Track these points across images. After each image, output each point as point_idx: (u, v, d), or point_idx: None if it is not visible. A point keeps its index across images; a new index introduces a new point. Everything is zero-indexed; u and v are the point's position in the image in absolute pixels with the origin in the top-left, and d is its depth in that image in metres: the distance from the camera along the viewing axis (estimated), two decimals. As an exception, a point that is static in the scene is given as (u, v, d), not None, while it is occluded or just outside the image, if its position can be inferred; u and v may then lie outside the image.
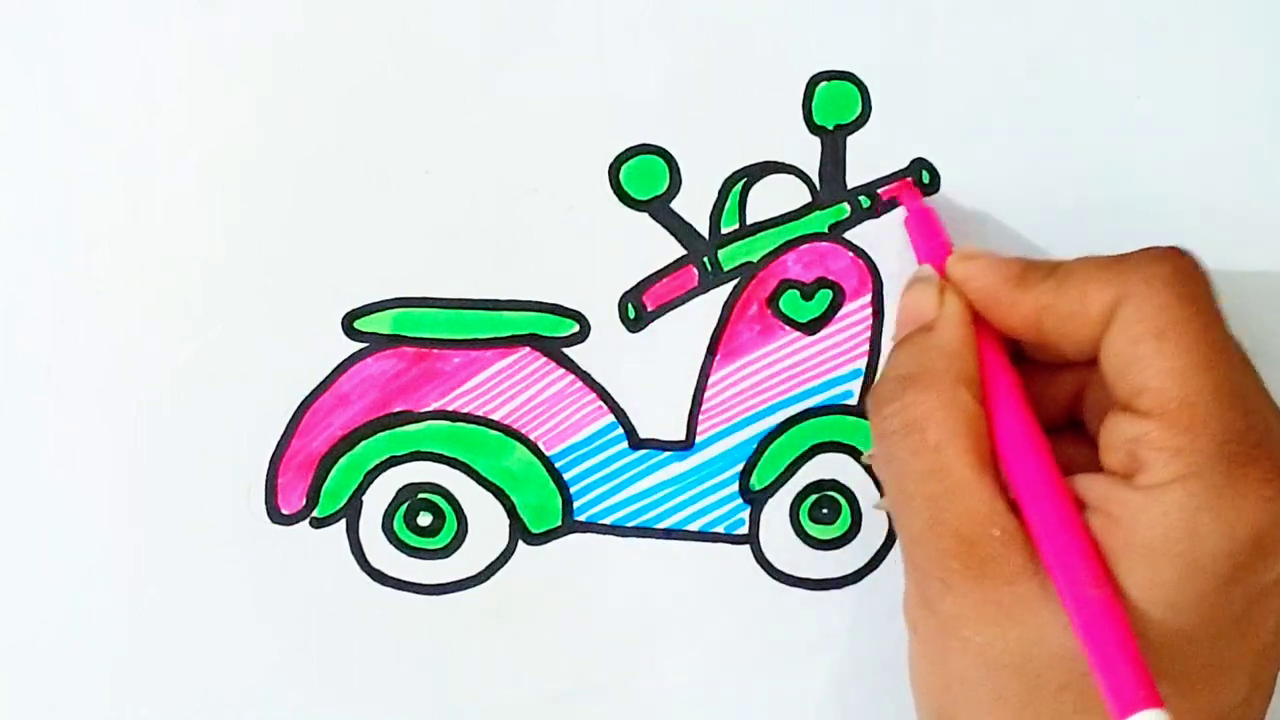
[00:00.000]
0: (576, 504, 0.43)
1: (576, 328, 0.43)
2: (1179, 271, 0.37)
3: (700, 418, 0.43)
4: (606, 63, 0.43)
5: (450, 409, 0.43)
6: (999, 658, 0.36)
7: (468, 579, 0.43)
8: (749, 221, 0.43)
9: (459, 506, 0.43)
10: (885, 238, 0.43)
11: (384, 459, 0.43)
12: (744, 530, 0.43)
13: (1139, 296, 0.36)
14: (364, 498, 0.43)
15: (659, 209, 0.43)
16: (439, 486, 0.43)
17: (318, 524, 0.43)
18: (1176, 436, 0.35)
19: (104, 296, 0.42)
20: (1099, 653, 0.34)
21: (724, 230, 0.43)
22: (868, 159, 0.43)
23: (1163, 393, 0.35)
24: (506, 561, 0.43)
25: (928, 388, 0.38)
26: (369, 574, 0.43)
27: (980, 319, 0.39)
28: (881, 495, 0.43)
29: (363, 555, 0.43)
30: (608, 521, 0.43)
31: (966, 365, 0.38)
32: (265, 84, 0.42)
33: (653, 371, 0.43)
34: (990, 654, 0.36)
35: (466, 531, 0.43)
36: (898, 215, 0.43)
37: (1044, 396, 0.39)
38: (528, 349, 0.43)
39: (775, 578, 0.43)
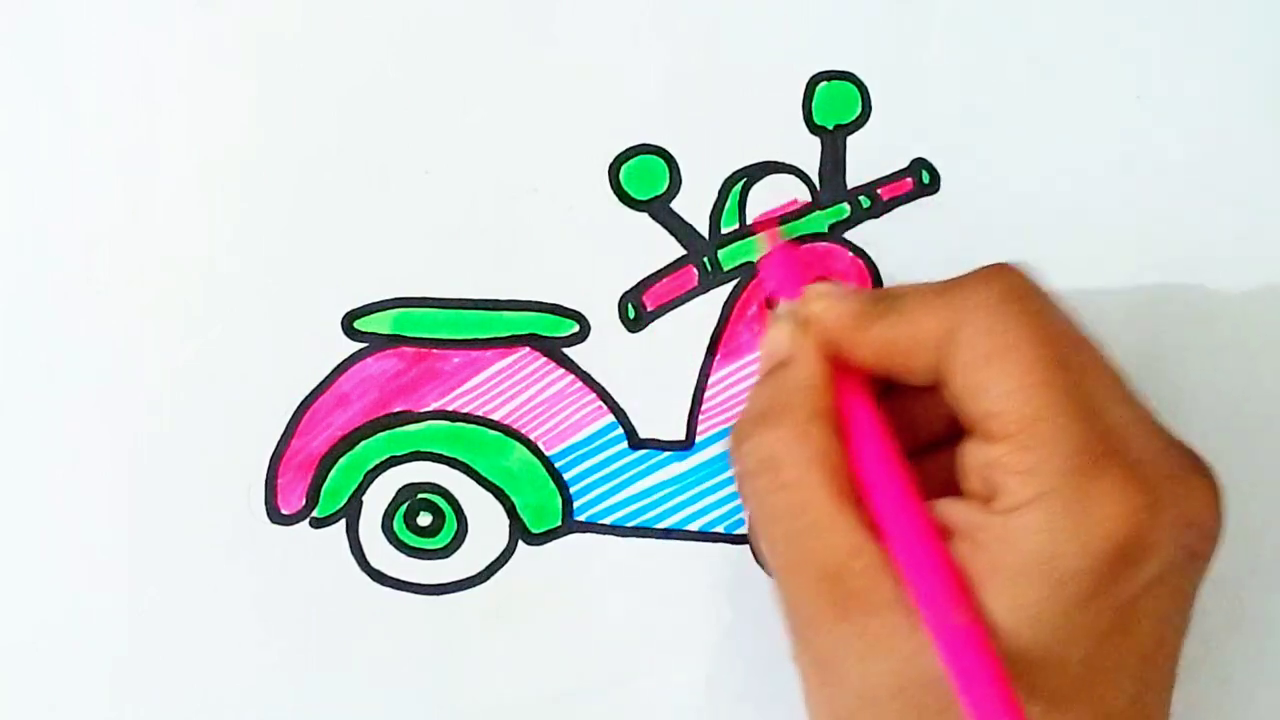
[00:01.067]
0: (576, 504, 0.43)
1: (576, 328, 0.43)
2: (1006, 291, 0.36)
3: (700, 418, 0.43)
4: (606, 63, 0.43)
5: (450, 409, 0.43)
6: (875, 690, 0.36)
7: (468, 579, 0.43)
8: (749, 221, 0.43)
9: (459, 506, 0.43)
10: (885, 238, 0.43)
11: (384, 459, 0.43)
12: (744, 530, 0.43)
13: (969, 323, 0.36)
14: (364, 498, 0.43)
15: (659, 209, 0.43)
16: (439, 486, 0.43)
17: (317, 524, 0.43)
18: (1025, 458, 0.35)
19: (104, 296, 0.42)
20: (963, 679, 0.34)
21: (724, 230, 0.43)
22: (868, 159, 0.43)
23: (1006, 416, 0.35)
24: (506, 561, 0.43)
25: (781, 424, 0.37)
26: (369, 574, 0.43)
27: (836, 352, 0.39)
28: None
29: (363, 555, 0.43)
30: (608, 521, 0.43)
31: (821, 400, 0.38)
32: (265, 84, 0.43)
33: (653, 371, 0.43)
34: (866, 687, 0.36)
35: (466, 531, 0.43)
36: (898, 215, 0.43)
37: (925, 413, 0.39)
38: (528, 349, 0.43)
39: (775, 578, 0.43)
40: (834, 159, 0.43)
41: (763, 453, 0.37)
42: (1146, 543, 0.35)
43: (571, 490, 0.43)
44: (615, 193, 0.43)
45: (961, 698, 0.34)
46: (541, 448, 0.43)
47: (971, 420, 0.36)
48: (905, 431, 0.38)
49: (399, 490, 0.43)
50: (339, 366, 0.43)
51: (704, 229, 0.43)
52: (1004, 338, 0.36)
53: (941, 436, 0.39)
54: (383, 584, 0.43)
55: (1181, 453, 0.37)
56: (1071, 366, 0.36)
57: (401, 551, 0.43)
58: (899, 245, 0.43)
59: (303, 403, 0.43)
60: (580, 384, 0.43)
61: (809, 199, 0.43)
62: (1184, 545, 0.36)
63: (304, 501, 0.43)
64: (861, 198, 0.43)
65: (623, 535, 0.43)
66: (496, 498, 0.43)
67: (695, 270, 0.43)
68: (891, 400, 0.39)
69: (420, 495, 0.43)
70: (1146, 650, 0.36)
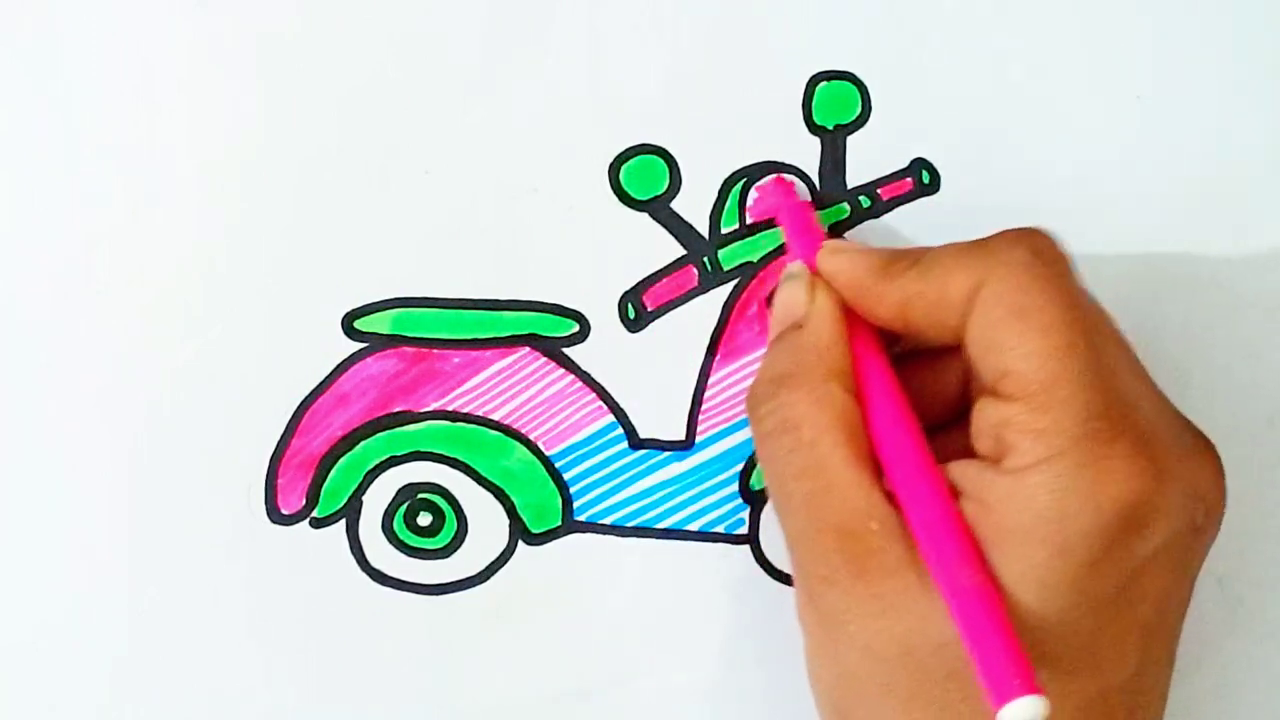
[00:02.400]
0: (576, 504, 0.43)
1: (576, 328, 0.43)
2: (1036, 253, 0.37)
3: (700, 418, 0.43)
4: (606, 63, 0.43)
5: (450, 409, 0.43)
6: (884, 650, 0.36)
7: (468, 579, 0.43)
8: (749, 221, 0.43)
9: (459, 506, 0.43)
10: (885, 238, 0.43)
11: (384, 459, 0.43)
12: (744, 530, 0.43)
13: (997, 280, 0.36)
14: (364, 498, 0.43)
15: (659, 209, 0.43)
16: (439, 486, 0.43)
17: (318, 524, 0.43)
18: (1039, 418, 0.35)
19: (104, 296, 0.42)
20: (975, 641, 0.34)
21: (724, 230, 0.43)
22: (868, 159, 0.43)
23: (1024, 375, 0.35)
24: (506, 561, 0.43)
25: (799, 385, 0.38)
26: (369, 574, 0.43)
27: (854, 312, 0.39)
28: None
29: (363, 555, 0.43)
30: (608, 521, 0.43)
31: (838, 360, 0.38)
32: (265, 84, 0.43)
33: (653, 371, 0.43)
34: (875, 647, 0.36)
35: (466, 531, 0.43)
36: (898, 215, 0.43)
37: (936, 385, 0.40)
38: (528, 349, 0.43)
39: (775, 578, 0.43)
40: (834, 159, 0.43)
41: (781, 414, 0.38)
42: (1153, 511, 0.35)
43: (571, 490, 0.43)
44: (615, 193, 0.43)
45: (973, 658, 0.34)
46: (541, 448, 0.43)
47: (989, 378, 0.36)
48: (915, 404, 0.38)
49: (399, 490, 0.43)
50: (339, 366, 0.43)
51: (704, 229, 0.43)
52: (1029, 298, 0.36)
53: (950, 411, 0.39)
54: (383, 584, 0.43)
55: (1188, 428, 0.38)
56: (1092, 334, 0.36)
57: (401, 551, 0.43)
58: (899, 245, 0.43)
59: (303, 403, 0.43)
60: (580, 384, 0.43)
61: (809, 199, 0.43)
62: (1189, 518, 0.36)
63: (304, 501, 0.43)
64: (861, 198, 0.43)
65: (623, 535, 0.43)
66: (496, 498, 0.43)
67: (695, 270, 0.43)
68: (902, 371, 0.39)
69: (420, 495, 0.43)
70: (1149, 622, 0.36)
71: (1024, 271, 0.36)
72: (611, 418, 0.43)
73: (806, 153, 0.43)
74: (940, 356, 0.39)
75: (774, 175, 0.43)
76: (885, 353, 0.39)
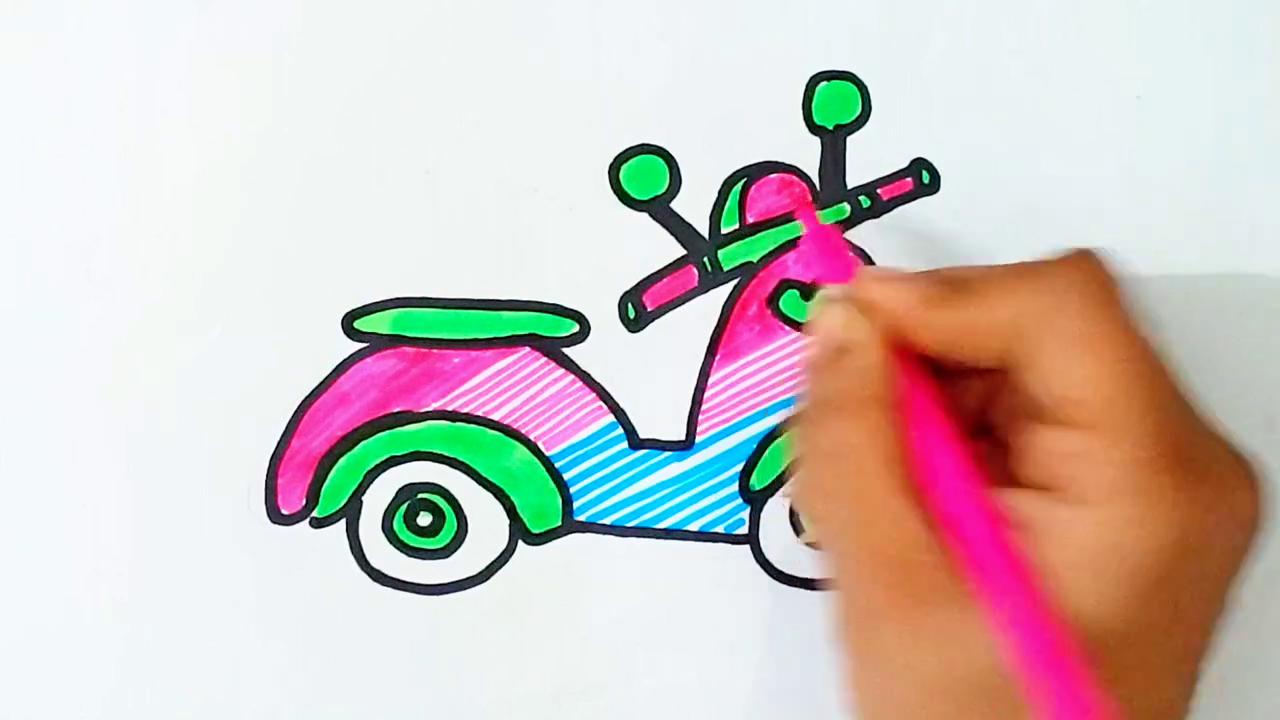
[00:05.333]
0: (576, 504, 0.43)
1: (576, 328, 0.43)
2: (1090, 277, 0.36)
3: (700, 418, 0.43)
4: (606, 62, 0.43)
5: (450, 409, 0.43)
6: (931, 681, 0.36)
7: (468, 579, 0.43)
8: (749, 221, 0.43)
9: (459, 506, 0.43)
10: (885, 238, 0.43)
11: (384, 459, 0.43)
12: (744, 530, 0.43)
13: (1051, 307, 0.36)
14: (364, 498, 0.43)
15: (659, 209, 0.43)
16: (439, 486, 0.43)
17: (318, 524, 0.43)
18: (1096, 447, 0.35)
19: (104, 296, 0.42)
20: (1043, 672, 0.34)
21: (724, 230, 0.43)
22: (868, 159, 0.43)
23: (1080, 404, 0.35)
24: (506, 561, 0.43)
25: (845, 413, 0.37)
26: (369, 574, 0.43)
27: (896, 336, 0.38)
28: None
29: (363, 555, 0.43)
30: (608, 521, 0.43)
31: (886, 387, 0.38)
32: (265, 84, 0.43)
33: (653, 371, 0.43)
34: (922, 677, 0.36)
35: (466, 531, 0.43)
36: (898, 215, 0.43)
37: (954, 404, 0.39)
38: (528, 349, 0.43)
39: (775, 578, 0.43)
40: (834, 159, 0.43)
41: (828, 441, 0.37)
42: (1204, 541, 0.35)
43: (571, 490, 0.43)
44: (615, 193, 0.43)
45: (1039, 691, 0.34)
46: (541, 448, 0.43)
47: (1048, 405, 0.36)
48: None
49: (399, 490, 0.43)
50: (339, 366, 0.43)
51: (704, 229, 0.43)
52: (1090, 325, 0.35)
53: (966, 429, 0.39)
54: (383, 584, 0.43)
55: (1233, 452, 0.37)
56: (1146, 360, 0.36)
57: (401, 551, 0.43)
58: (899, 245, 0.43)
59: (303, 403, 0.43)
60: (580, 384, 0.43)
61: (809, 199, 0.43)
62: (1233, 543, 0.36)
63: (304, 501, 0.43)
64: (861, 198, 0.43)
65: (623, 535, 0.43)
66: (496, 498, 0.43)
67: (695, 270, 0.43)
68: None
69: (420, 495, 0.43)
70: (1187, 648, 0.36)
71: (1079, 296, 0.36)
72: (611, 418, 0.43)
73: (806, 153, 0.43)
74: (961, 375, 0.39)
75: (798, 201, 0.43)
76: (930, 377, 0.38)
